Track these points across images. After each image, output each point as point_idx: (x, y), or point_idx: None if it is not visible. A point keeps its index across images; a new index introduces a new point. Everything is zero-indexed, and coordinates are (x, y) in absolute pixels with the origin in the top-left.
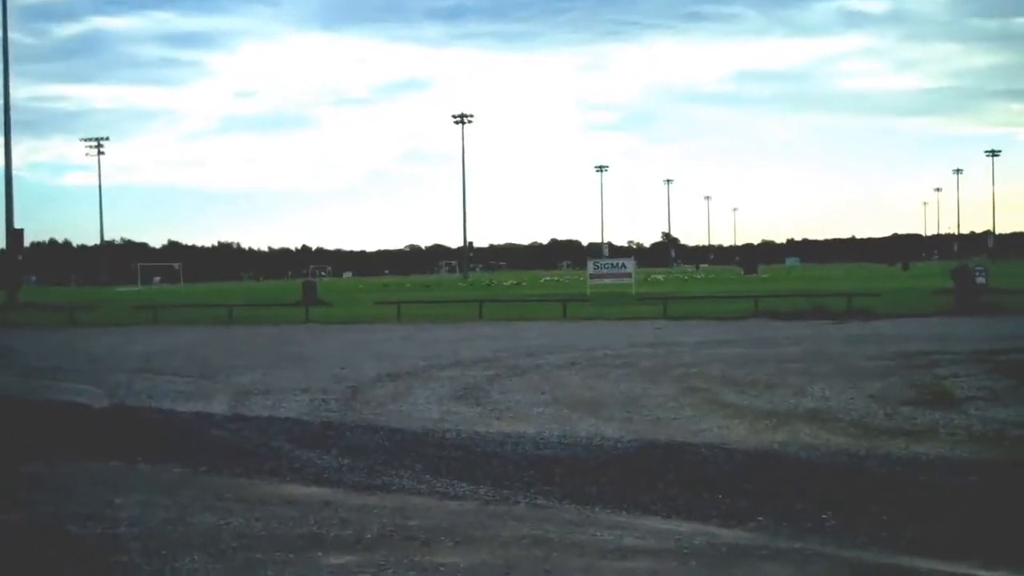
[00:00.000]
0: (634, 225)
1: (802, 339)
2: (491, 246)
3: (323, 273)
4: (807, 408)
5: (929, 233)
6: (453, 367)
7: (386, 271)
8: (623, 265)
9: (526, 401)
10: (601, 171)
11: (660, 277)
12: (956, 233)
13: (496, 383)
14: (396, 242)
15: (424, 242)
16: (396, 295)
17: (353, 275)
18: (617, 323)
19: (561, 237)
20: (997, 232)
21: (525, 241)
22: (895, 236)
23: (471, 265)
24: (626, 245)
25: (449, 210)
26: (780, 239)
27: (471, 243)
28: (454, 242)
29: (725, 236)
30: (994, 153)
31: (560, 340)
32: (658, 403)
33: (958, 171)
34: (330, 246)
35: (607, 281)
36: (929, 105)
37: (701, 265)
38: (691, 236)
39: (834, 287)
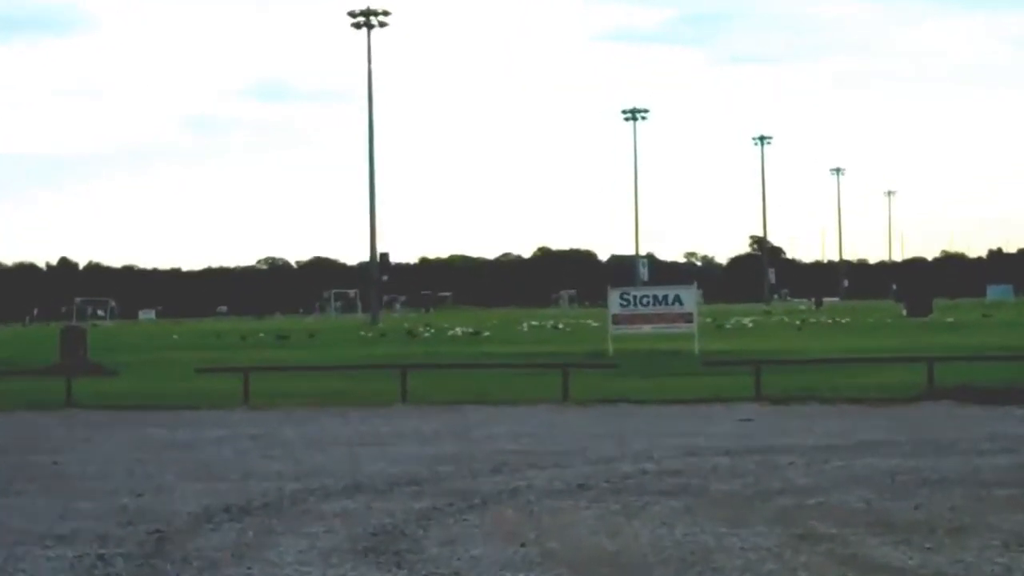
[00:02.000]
0: (698, 224)
1: (1019, 441)
2: (423, 262)
3: (101, 312)
4: None
5: None
6: (350, 494)
7: (222, 308)
8: (677, 299)
9: (493, 560)
10: (634, 119)
11: (748, 322)
12: None
13: (434, 525)
14: (243, 255)
15: (297, 255)
16: (241, 355)
17: (159, 316)
18: (666, 410)
19: (558, 246)
20: None
21: (489, 253)
22: None
23: (386, 298)
24: (683, 261)
25: (345, 195)
26: (975, 251)
27: (385, 256)
28: (353, 255)
29: (872, 245)
30: None
31: (556, 442)
32: (745, 564)
33: None
34: (114, 261)
35: (646, 329)
36: None
37: (825, 299)
38: (806, 245)
39: None
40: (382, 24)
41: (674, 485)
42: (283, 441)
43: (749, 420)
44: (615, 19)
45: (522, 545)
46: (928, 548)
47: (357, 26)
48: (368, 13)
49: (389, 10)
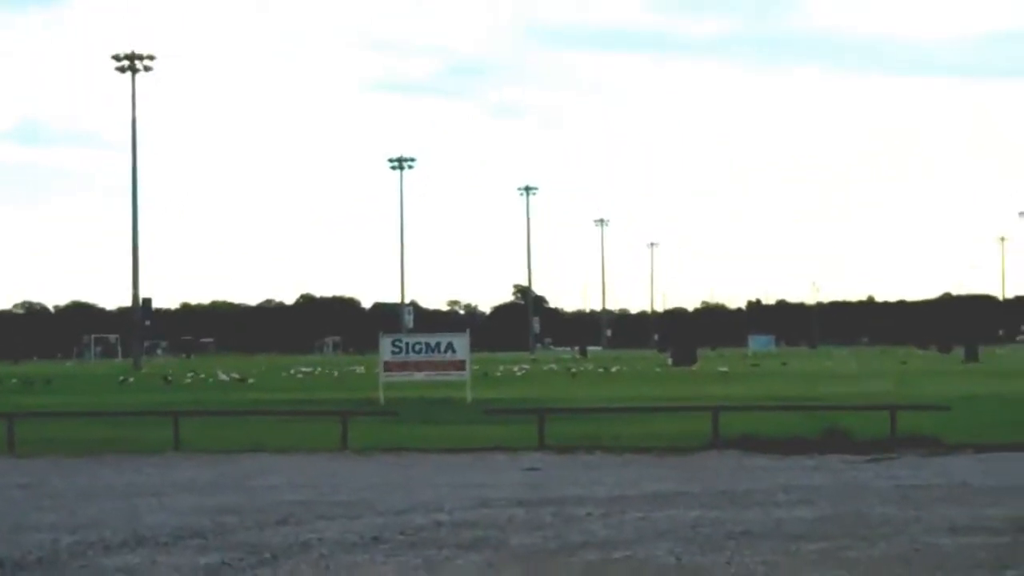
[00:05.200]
0: (462, 273)
1: (815, 492)
2: (185, 308)
3: None
4: None
5: (1010, 294)
6: (132, 547)
7: None
8: (450, 347)
9: None
10: (400, 168)
11: (518, 370)
12: None
13: None
14: None
15: (52, 298)
16: None
17: None
18: (449, 458)
19: (321, 292)
20: None
21: (252, 300)
22: (948, 298)
23: (148, 344)
24: (446, 309)
25: (106, 240)
26: (736, 302)
27: (147, 301)
28: (114, 300)
29: (634, 296)
30: None
31: (340, 492)
32: None
33: None
34: None
35: (418, 376)
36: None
37: (589, 348)
38: (569, 295)
39: (852, 392)
40: (147, 68)
41: (472, 538)
42: (54, 491)
43: (536, 469)
44: (384, 69)
45: None
46: None
47: (122, 70)
48: (133, 57)
49: (154, 55)
